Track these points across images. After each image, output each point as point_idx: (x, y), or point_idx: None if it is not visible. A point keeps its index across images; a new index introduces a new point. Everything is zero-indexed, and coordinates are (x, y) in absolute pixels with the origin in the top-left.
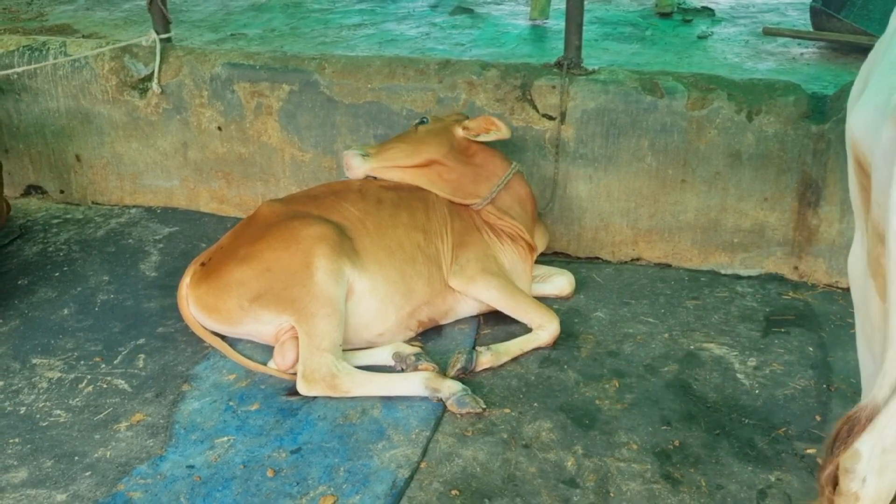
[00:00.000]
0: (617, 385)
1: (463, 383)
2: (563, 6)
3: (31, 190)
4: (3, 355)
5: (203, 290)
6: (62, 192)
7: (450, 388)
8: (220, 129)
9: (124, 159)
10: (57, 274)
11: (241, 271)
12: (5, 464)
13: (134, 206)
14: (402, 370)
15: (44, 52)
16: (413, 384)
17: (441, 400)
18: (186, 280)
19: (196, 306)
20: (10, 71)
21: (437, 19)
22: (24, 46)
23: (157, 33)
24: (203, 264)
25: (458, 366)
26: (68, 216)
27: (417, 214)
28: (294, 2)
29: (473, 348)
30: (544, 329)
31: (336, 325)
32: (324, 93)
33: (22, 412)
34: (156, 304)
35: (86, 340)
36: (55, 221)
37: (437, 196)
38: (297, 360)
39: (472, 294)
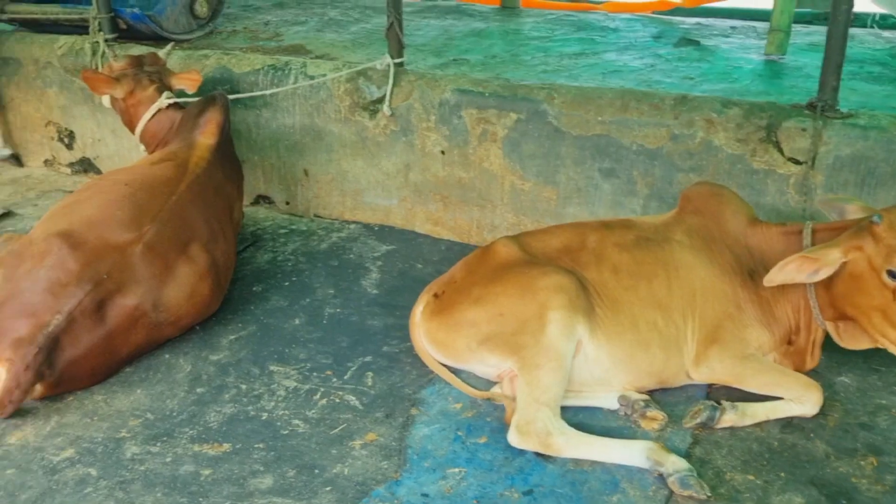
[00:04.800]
0: (875, 463)
1: (695, 439)
2: (799, 41)
3: (260, 199)
4: (244, 360)
5: (435, 324)
6: (288, 203)
7: (674, 465)
8: (443, 152)
9: (349, 176)
10: (287, 283)
11: (474, 312)
12: (253, 468)
13: (353, 222)
14: (628, 415)
15: (286, 72)
16: (633, 454)
17: (661, 475)
18: (420, 308)
19: (426, 338)
20: (261, 93)
21: (661, 50)
22: (268, 66)
23: (392, 58)
24: (436, 295)
25: (699, 419)
26: (293, 227)
27: (657, 287)
28: (513, 29)
29: (716, 402)
30: (805, 402)
31: (559, 381)
32: (551, 123)
33: (264, 418)
34: (379, 323)
35: (317, 352)
36: (282, 231)
37: (678, 265)
38: None
39: (718, 382)
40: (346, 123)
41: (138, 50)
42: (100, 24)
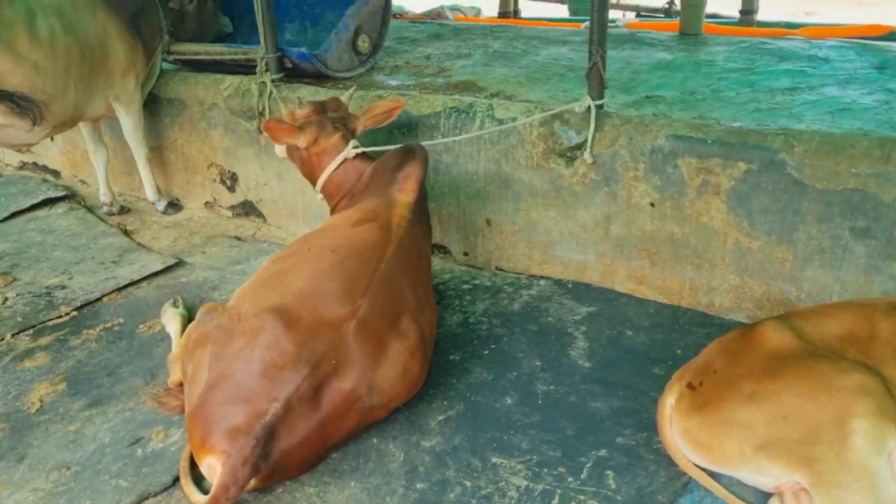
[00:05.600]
0: None
1: None
2: None
3: (436, 249)
4: (461, 448)
5: (695, 423)
6: (466, 254)
7: None
8: (652, 204)
9: (538, 228)
10: (486, 352)
11: (748, 412)
12: None
13: (541, 277)
14: None
15: (470, 115)
16: None
17: None
18: (670, 400)
19: (683, 438)
20: (443, 140)
21: (891, 84)
22: (450, 108)
23: (593, 99)
24: (691, 386)
25: None
26: (476, 281)
27: None
28: (705, 60)
29: None
30: None
31: None
32: (790, 174)
33: None
34: (602, 405)
35: (540, 442)
36: (465, 287)
37: None
38: None
39: None
40: (538, 171)
41: (306, 90)
42: (267, 63)
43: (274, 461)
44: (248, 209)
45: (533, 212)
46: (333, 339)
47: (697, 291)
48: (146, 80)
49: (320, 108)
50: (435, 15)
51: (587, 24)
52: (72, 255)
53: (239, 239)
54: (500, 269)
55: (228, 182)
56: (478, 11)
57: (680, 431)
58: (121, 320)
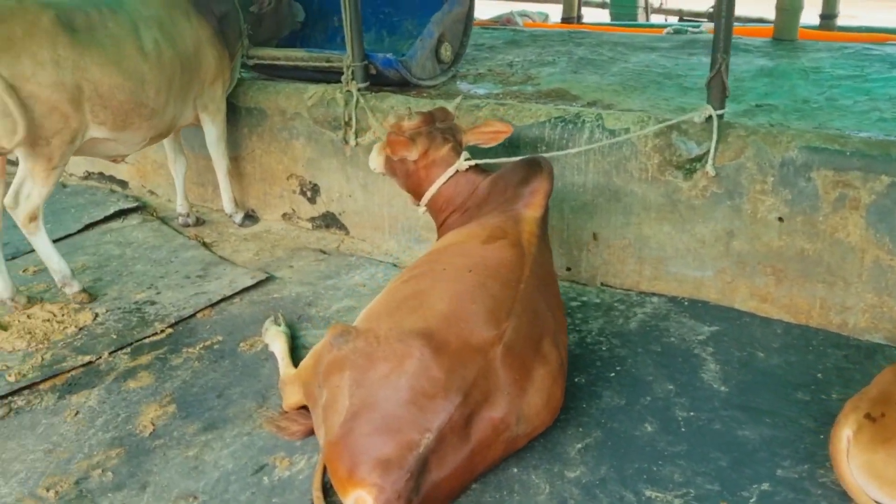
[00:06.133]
0: None
1: None
2: None
3: None
4: (609, 480)
5: (881, 456)
6: (569, 269)
7: None
8: (780, 219)
9: (650, 242)
10: (612, 374)
11: None
12: None
13: (652, 294)
14: None
15: (578, 125)
16: None
17: None
18: (847, 433)
19: (865, 473)
20: (559, 153)
21: None
22: (555, 118)
23: (714, 108)
24: (871, 417)
25: None
26: (584, 298)
27: None
28: (811, 67)
29: None
30: None
31: None
32: None
33: None
34: (752, 434)
35: (694, 473)
36: (573, 304)
37: None
38: None
39: None
40: (653, 184)
41: (395, 100)
42: (353, 72)
43: (423, 495)
44: (329, 221)
45: (645, 226)
46: (482, 365)
47: (829, 311)
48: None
49: (429, 118)
50: (505, 21)
51: (669, 29)
52: (155, 269)
53: (323, 252)
54: (607, 285)
55: (309, 193)
56: (545, 17)
57: (861, 466)
58: (219, 338)
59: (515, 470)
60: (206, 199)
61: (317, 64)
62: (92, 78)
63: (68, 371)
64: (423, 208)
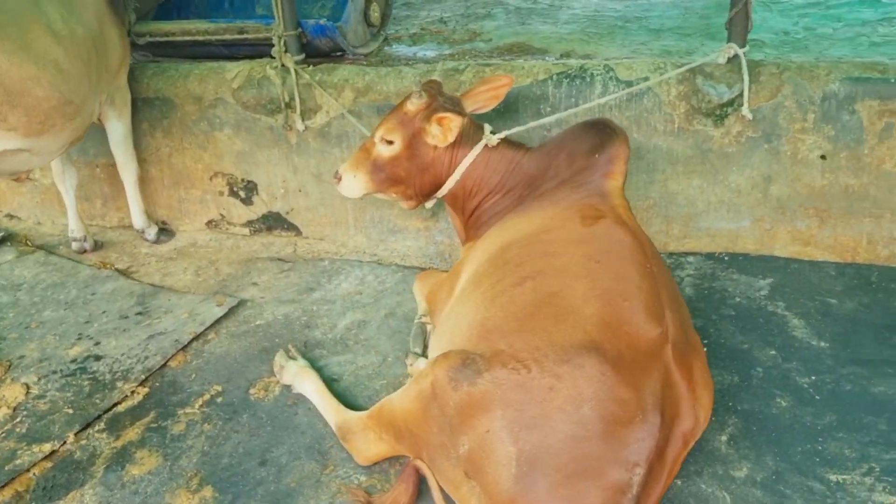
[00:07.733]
0: None
1: None
2: None
3: None
4: (782, 471)
5: None
6: None
7: None
8: (823, 157)
9: (678, 199)
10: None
11: None
12: None
13: (686, 253)
14: None
15: (586, 80)
16: None
17: None
18: None
19: None
20: (551, 118)
21: None
22: (557, 73)
23: (739, 47)
24: None
25: None
26: None
27: None
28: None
29: None
30: None
31: None
32: None
33: None
34: (888, 389)
35: (861, 445)
36: None
37: None
38: None
39: None
40: (680, 136)
41: (346, 72)
42: (285, 42)
43: None
44: (272, 223)
45: (672, 182)
46: (662, 371)
47: (876, 244)
48: None
49: (433, 93)
50: None
51: None
52: (72, 314)
53: (282, 260)
54: None
55: (243, 193)
56: None
57: None
58: (217, 388)
59: (679, 482)
60: (93, 216)
61: (227, 37)
62: None
63: (28, 469)
64: (432, 201)
